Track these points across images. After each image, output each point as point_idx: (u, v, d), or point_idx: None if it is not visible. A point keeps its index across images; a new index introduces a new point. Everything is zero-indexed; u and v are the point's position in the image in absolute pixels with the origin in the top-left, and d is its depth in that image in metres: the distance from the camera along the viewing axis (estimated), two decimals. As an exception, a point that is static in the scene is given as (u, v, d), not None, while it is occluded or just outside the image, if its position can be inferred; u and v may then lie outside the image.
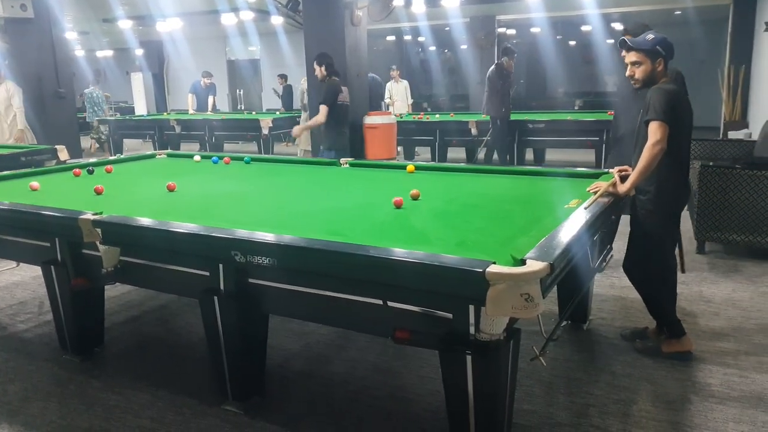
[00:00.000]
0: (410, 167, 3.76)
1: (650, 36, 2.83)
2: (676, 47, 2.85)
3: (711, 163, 4.60)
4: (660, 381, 2.75)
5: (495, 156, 8.07)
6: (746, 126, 9.65)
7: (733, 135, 8.89)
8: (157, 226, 2.40)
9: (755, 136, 7.35)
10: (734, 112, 10.21)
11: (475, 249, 2.07)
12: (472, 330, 1.89)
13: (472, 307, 1.87)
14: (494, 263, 1.78)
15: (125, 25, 12.88)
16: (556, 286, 3.08)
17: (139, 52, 16.84)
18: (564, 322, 3.29)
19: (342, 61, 5.81)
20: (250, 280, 2.32)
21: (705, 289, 3.90)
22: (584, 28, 14.73)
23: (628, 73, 2.88)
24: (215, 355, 2.51)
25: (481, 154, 8.13)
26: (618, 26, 14.18)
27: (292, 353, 3.09)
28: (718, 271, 4.27)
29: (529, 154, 9.10)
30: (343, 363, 2.97)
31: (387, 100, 10.29)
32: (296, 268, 2.13)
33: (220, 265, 2.35)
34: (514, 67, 7.55)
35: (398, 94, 10.26)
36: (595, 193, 2.72)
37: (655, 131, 2.70)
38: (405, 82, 10.45)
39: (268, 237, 2.14)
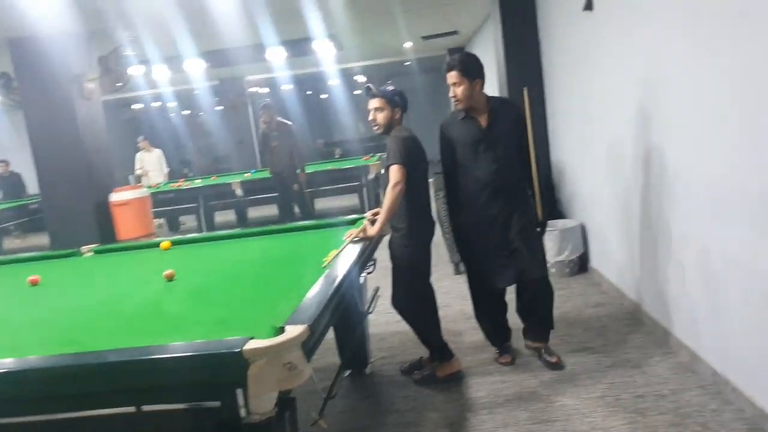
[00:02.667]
0: (165, 244, 3.50)
1: (390, 87, 3.15)
2: (410, 94, 3.20)
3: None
4: (440, 406, 2.92)
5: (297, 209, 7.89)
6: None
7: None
8: None
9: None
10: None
11: (236, 325, 1.97)
12: (243, 413, 1.77)
13: (240, 390, 1.76)
14: (252, 338, 1.71)
15: None
16: (334, 337, 3.16)
17: None
18: (346, 373, 3.33)
19: (75, 136, 5.29)
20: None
21: (465, 307, 4.28)
22: (331, 82, 15.74)
23: (370, 117, 3.14)
24: None
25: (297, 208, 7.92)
26: (362, 78, 15.48)
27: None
28: (474, 288, 4.75)
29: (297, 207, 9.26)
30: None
31: (138, 171, 9.67)
32: (21, 397, 1.77)
33: None
34: (277, 120, 7.44)
35: (151, 164, 9.72)
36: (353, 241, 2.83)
37: (394, 174, 2.94)
38: (158, 151, 9.96)
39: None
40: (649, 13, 3.09)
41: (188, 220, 9.72)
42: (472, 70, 3.04)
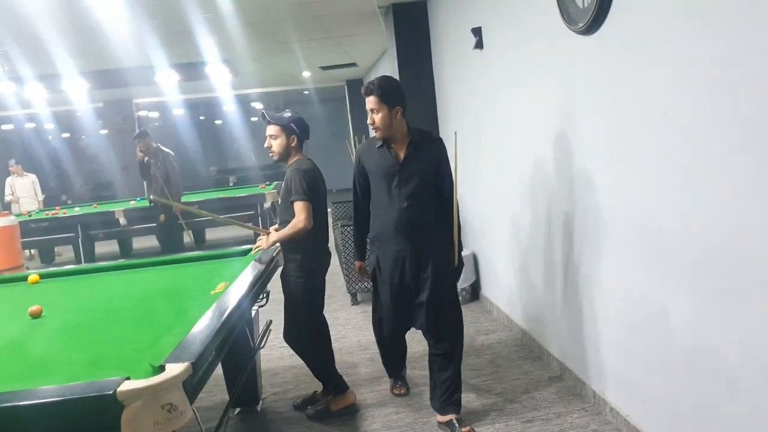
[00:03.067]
0: (33, 277, 3.19)
1: (287, 114, 3.07)
2: (309, 123, 3.11)
3: (351, 223, 5.16)
4: (334, 441, 2.84)
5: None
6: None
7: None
8: None
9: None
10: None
11: (111, 365, 1.82)
12: (116, 462, 1.61)
13: (114, 436, 1.60)
14: (128, 379, 1.57)
15: None
16: (223, 373, 3.00)
17: None
18: (236, 411, 3.18)
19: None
20: None
21: (362, 338, 4.26)
22: (226, 107, 15.39)
23: (266, 144, 3.05)
24: None
25: (187, 237, 7.37)
26: (258, 105, 15.28)
27: None
28: (370, 318, 4.73)
29: (187, 237, 8.84)
30: None
31: (8, 198, 8.84)
32: None
33: None
34: (154, 147, 7.02)
35: (23, 190, 8.93)
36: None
37: (300, 211, 2.89)
38: (32, 176, 9.17)
39: None
40: (531, 51, 3.31)
41: (65, 251, 8.97)
42: (392, 96, 2.79)
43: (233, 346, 2.39)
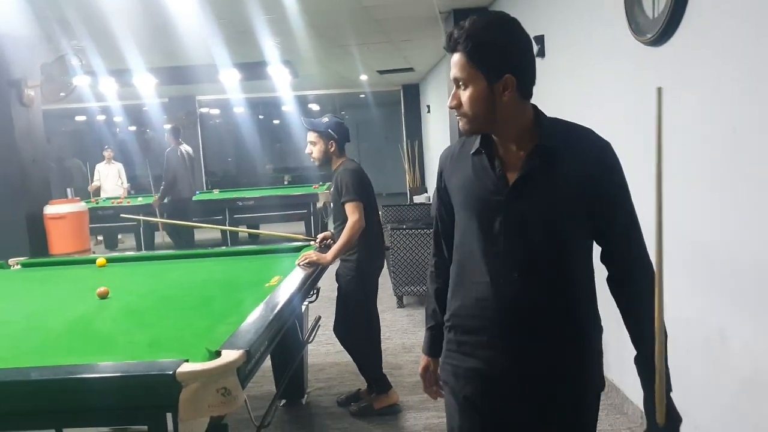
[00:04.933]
0: (101, 261, 3.37)
1: (325, 119, 3.13)
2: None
3: (404, 226, 5.24)
4: (375, 439, 2.88)
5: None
6: (426, 191, 11.32)
7: (417, 199, 10.29)
8: None
9: (432, 200, 8.66)
10: (415, 180, 11.95)
11: (170, 348, 1.91)
12: (172, 438, 1.70)
13: (169, 415, 1.69)
14: (186, 361, 1.65)
15: None
16: (271, 365, 3.09)
17: None
18: (281, 402, 3.26)
19: (11, 145, 5.04)
20: None
21: (406, 340, 4.29)
22: (285, 107, 15.72)
23: (307, 150, 3.15)
24: None
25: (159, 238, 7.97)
26: (316, 107, 15.54)
27: None
28: (416, 321, 4.76)
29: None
30: None
31: (96, 183, 9.30)
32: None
33: None
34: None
35: (109, 177, 9.40)
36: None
37: (353, 211, 2.96)
38: (118, 165, 9.65)
39: None
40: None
41: (127, 239, 9.37)
42: (495, 55, 1.34)
43: (283, 338, 2.45)
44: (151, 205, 7.52)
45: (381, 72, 10.48)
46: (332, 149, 3.10)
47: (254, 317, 2.06)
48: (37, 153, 5.48)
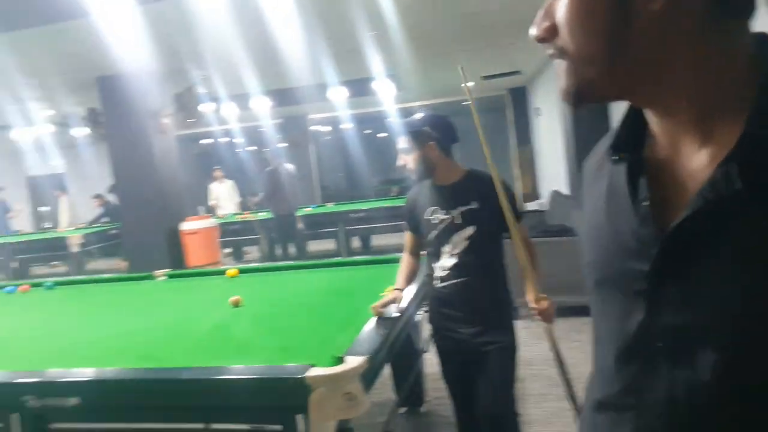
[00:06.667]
0: (231, 272, 3.65)
1: (418, 116, 2.35)
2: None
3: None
4: (495, 449, 2.85)
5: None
6: (538, 197, 11.03)
7: (529, 206, 10.06)
8: None
9: (546, 206, 8.41)
10: (527, 186, 11.69)
11: (298, 353, 2.04)
12: (303, 439, 1.82)
13: (300, 416, 1.81)
14: (313, 366, 1.76)
15: None
16: (392, 373, 3.17)
17: None
18: (402, 410, 3.33)
19: (151, 167, 5.62)
20: (52, 426, 2.01)
21: (526, 353, 4.20)
22: (390, 120, 16.03)
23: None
24: None
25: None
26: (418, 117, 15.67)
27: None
28: (534, 333, 4.64)
29: (356, 242, 9.41)
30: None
31: (213, 202, 10.04)
32: (101, 404, 1.90)
33: (13, 416, 2.01)
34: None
35: (223, 195, 10.12)
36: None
37: (527, 230, 2.46)
38: (230, 182, 10.37)
39: (65, 374, 1.91)
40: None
41: (252, 251, 10.00)
42: None
43: (401, 347, 2.53)
44: (272, 219, 7.89)
45: (485, 77, 10.40)
46: (434, 153, 2.23)
47: (372, 326, 2.14)
48: (172, 175, 6.05)
